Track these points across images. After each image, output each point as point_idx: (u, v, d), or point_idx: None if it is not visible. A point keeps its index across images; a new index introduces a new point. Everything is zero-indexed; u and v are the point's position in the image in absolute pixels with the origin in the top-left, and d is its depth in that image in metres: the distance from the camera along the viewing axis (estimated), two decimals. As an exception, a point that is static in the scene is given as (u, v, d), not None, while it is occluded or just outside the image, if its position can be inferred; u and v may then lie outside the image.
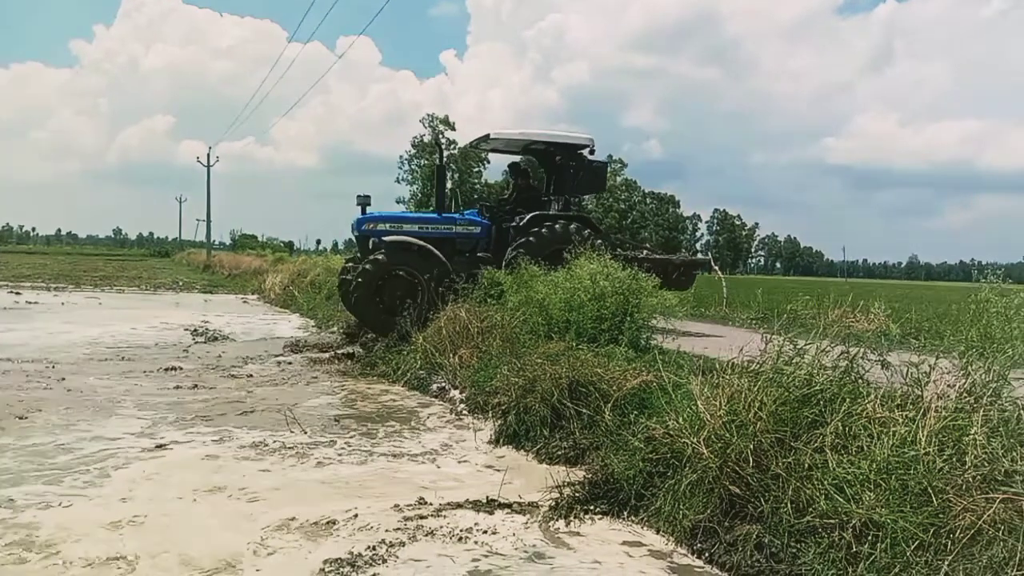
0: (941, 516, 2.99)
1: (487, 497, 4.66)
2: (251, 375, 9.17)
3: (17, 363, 9.30)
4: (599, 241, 10.23)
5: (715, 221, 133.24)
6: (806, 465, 3.61)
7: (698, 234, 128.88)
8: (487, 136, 11.25)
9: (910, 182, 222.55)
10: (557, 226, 10.45)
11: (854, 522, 3.19)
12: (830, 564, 3.20)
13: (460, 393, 7.56)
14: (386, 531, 4.10)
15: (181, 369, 9.36)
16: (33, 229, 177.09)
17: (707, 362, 5.59)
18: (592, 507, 4.50)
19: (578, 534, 4.21)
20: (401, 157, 78.73)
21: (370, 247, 10.84)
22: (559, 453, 5.48)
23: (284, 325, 15.90)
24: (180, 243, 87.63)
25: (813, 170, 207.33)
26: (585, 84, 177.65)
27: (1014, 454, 3.06)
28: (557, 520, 4.36)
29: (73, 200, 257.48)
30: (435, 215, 11.20)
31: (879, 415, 3.62)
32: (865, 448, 3.48)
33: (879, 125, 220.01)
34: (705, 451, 3.98)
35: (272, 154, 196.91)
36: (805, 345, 4.29)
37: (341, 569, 3.60)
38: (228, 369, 9.55)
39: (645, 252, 11.57)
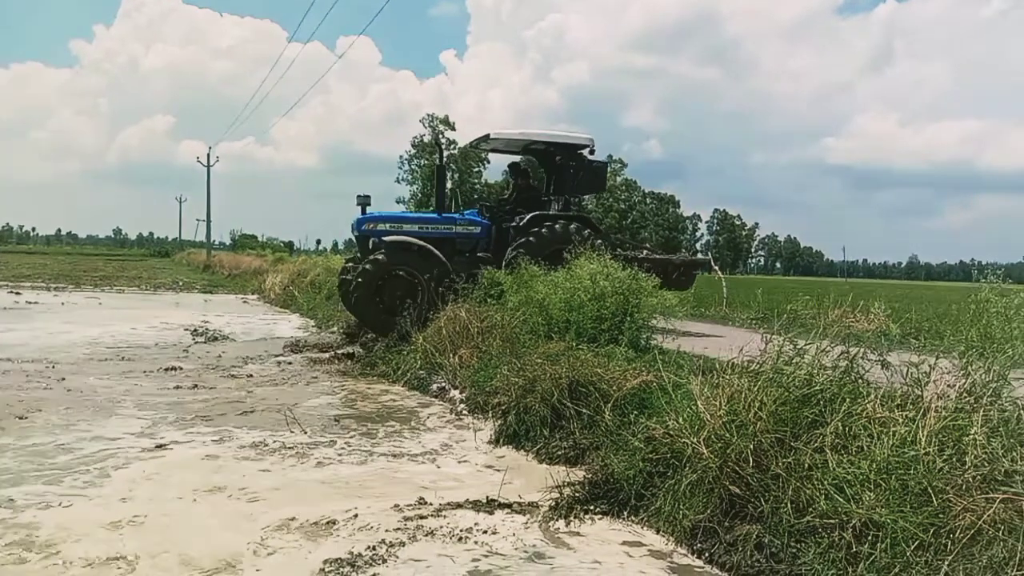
0: (941, 516, 2.99)
1: (487, 497, 4.66)
2: (251, 375, 9.17)
3: (17, 363, 9.30)
4: (599, 241, 10.23)
5: (715, 221, 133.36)
6: (806, 465, 3.61)
7: (698, 234, 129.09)
8: (487, 136, 11.25)
9: (910, 182, 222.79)
10: (557, 226, 10.45)
11: (854, 522, 3.19)
12: (830, 564, 3.20)
13: (460, 393, 7.56)
14: (386, 531, 4.10)
15: (181, 369, 9.36)
16: (33, 229, 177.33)
17: (707, 362, 5.59)
18: (592, 507, 4.50)
19: (578, 534, 4.21)
20: (401, 157, 78.84)
21: (370, 247, 10.84)
22: (559, 453, 5.48)
23: (284, 325, 15.90)
24: (180, 243, 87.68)
25: (813, 170, 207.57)
26: (585, 84, 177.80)
27: (1014, 454, 3.06)
28: (557, 520, 4.36)
29: (73, 200, 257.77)
30: (435, 215, 11.20)
31: (879, 415, 3.62)
32: (865, 448, 3.48)
33: (879, 125, 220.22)
34: (705, 451, 3.98)
35: (272, 154, 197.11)
36: (805, 345, 4.28)
37: (341, 569, 3.60)
38: (228, 369, 9.55)
39: (645, 252, 11.55)
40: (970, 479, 3.03)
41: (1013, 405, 3.44)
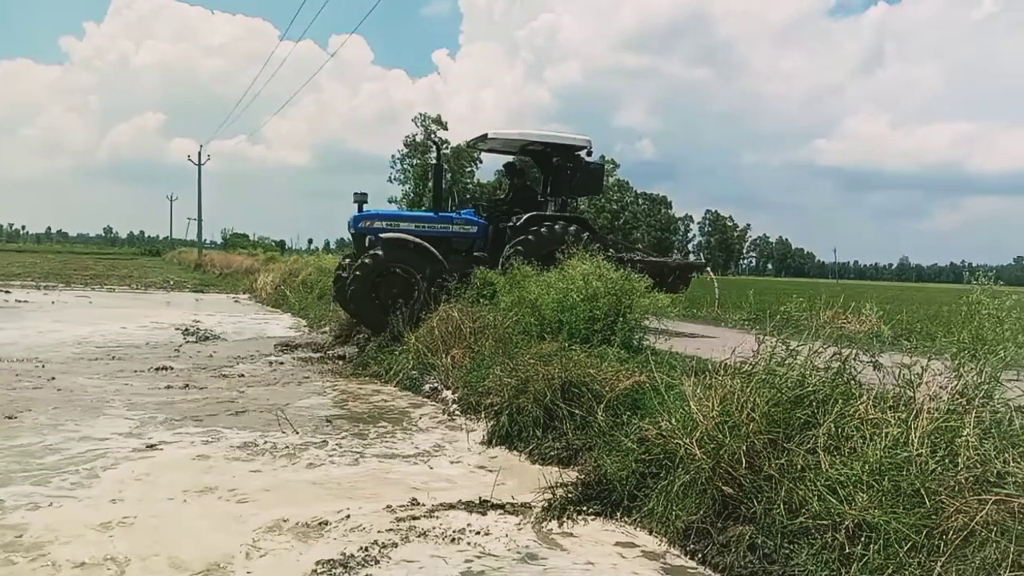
0: (934, 517, 2.99)
1: (480, 498, 4.65)
2: (242, 375, 9.13)
3: (6, 362, 9.23)
4: (596, 245, 10.20)
5: (707, 222, 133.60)
6: (799, 466, 3.61)
7: (690, 235, 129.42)
8: (485, 136, 11.23)
9: (901, 184, 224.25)
10: (557, 227, 10.43)
11: (847, 523, 3.19)
12: (823, 565, 3.20)
13: (452, 393, 7.54)
14: (378, 532, 4.08)
15: (172, 369, 9.30)
16: (23, 227, 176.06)
17: (700, 363, 5.60)
18: (585, 508, 4.50)
19: (571, 535, 4.20)
20: (393, 157, 78.55)
21: (366, 245, 10.81)
22: (552, 454, 5.47)
23: (275, 325, 15.85)
24: (171, 242, 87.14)
25: (804, 171, 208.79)
26: (577, 84, 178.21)
27: (1006, 456, 3.06)
28: (550, 521, 4.35)
29: (63, 198, 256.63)
30: (432, 214, 11.18)
31: (872, 416, 3.63)
32: (858, 449, 3.48)
33: (870, 127, 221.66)
34: (698, 452, 3.98)
35: (264, 152, 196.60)
36: (798, 346, 4.29)
37: (333, 570, 3.58)
38: (219, 369, 9.50)
39: (640, 255, 11.53)
40: (963, 480, 3.04)
41: (1005, 407, 3.45)
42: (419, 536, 4.06)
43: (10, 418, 6.33)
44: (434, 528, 4.17)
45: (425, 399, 7.90)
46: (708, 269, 13.36)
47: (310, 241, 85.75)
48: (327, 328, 13.28)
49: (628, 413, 5.12)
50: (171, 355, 10.57)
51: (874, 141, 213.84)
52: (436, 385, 8.01)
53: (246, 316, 17.75)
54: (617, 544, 4.09)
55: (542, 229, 10.44)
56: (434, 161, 13.11)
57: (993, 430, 3.26)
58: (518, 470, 5.40)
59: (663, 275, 10.53)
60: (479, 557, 3.84)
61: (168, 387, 8.06)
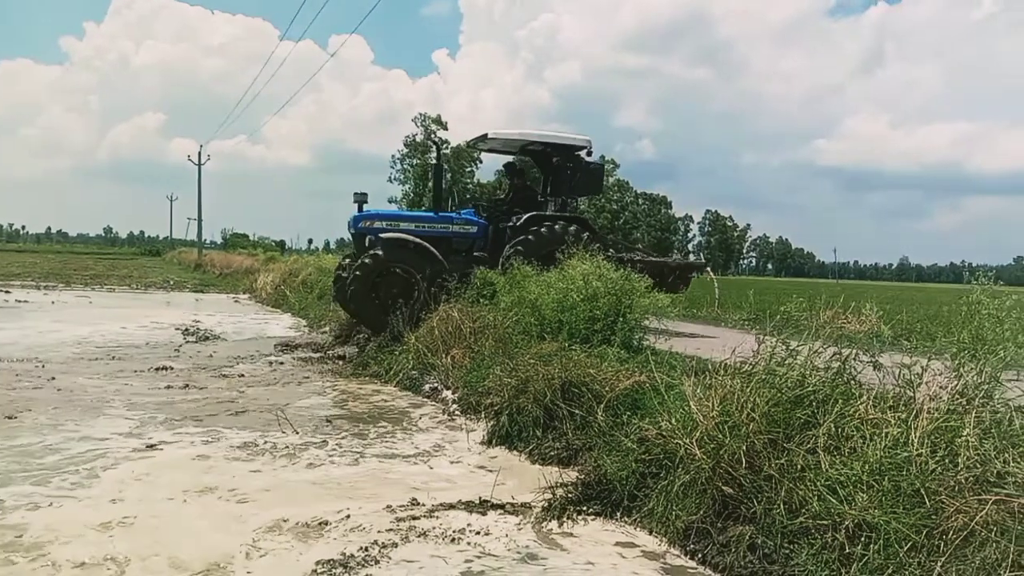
0: (934, 517, 2.99)
1: (480, 498, 4.65)
2: (242, 375, 9.13)
3: (6, 362, 9.23)
4: (596, 245, 10.19)
5: (707, 222, 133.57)
6: (799, 466, 3.61)
7: (690, 235, 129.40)
8: (485, 136, 11.23)
9: (901, 184, 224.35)
10: (557, 227, 10.43)
11: (847, 523, 3.19)
12: (823, 565, 3.20)
13: (452, 393, 7.54)
14: (378, 532, 4.08)
15: (172, 369, 9.30)
16: (23, 227, 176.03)
17: (700, 363, 5.60)
18: (585, 508, 4.50)
19: (571, 535, 4.20)
20: (393, 156, 78.53)
21: (367, 244, 10.81)
22: (552, 454, 5.47)
23: (275, 325, 15.85)
24: (171, 242, 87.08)
25: (804, 171, 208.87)
26: (577, 84, 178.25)
27: (1006, 456, 3.06)
28: (550, 521, 4.35)
29: (63, 198, 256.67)
30: (432, 214, 11.18)
31: (871, 416, 3.63)
32: (858, 449, 3.48)
33: (870, 127, 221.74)
34: (698, 452, 3.98)
35: (264, 152, 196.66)
36: (798, 346, 4.29)
37: (333, 570, 3.58)
38: (219, 369, 9.50)
39: (641, 255, 11.52)
40: (963, 480, 3.04)
41: (1005, 407, 3.45)
42: (419, 536, 4.06)
43: (10, 418, 6.33)
44: (434, 528, 4.17)
45: (425, 399, 7.90)
46: (708, 269, 13.36)
47: (310, 241, 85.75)
48: (327, 328, 13.28)
49: (628, 413, 5.12)
50: (171, 355, 10.57)
51: (874, 141, 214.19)
52: (436, 385, 8.01)
53: (246, 316, 17.75)
54: (617, 544, 4.09)
55: (542, 229, 10.43)
56: (434, 161, 13.11)
57: (993, 430, 3.26)
58: (518, 470, 5.40)
59: (663, 275, 10.53)
60: (479, 557, 3.84)
61: (168, 387, 8.06)
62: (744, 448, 3.82)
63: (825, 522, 3.28)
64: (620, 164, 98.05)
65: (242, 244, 61.03)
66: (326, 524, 4.18)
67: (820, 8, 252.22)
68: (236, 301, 22.91)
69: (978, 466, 3.07)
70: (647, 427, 4.51)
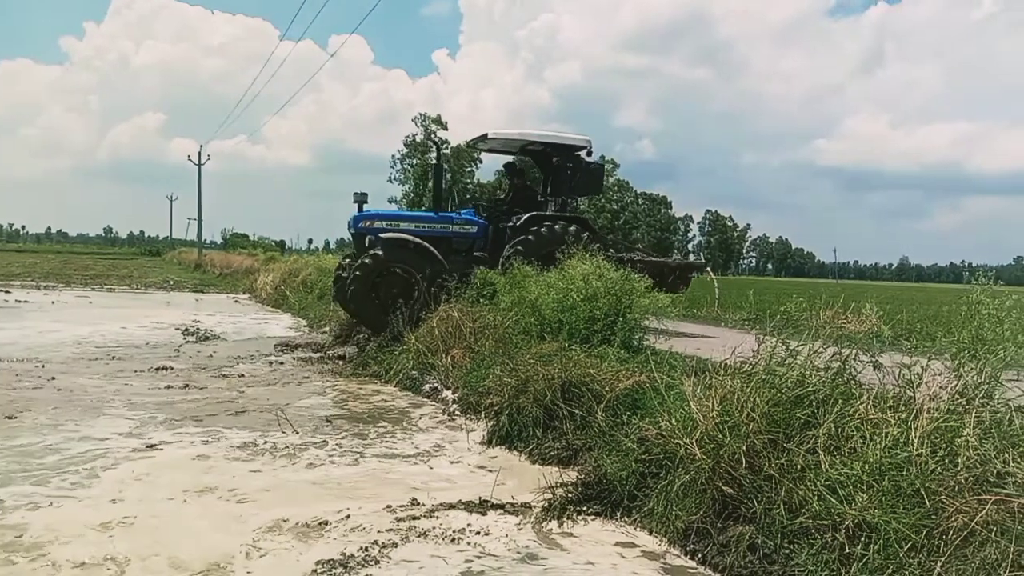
0: (934, 517, 2.99)
1: (480, 498, 4.65)
2: (242, 375, 9.13)
3: (6, 362, 9.23)
4: (597, 245, 10.18)
5: (707, 222, 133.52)
6: (799, 466, 3.61)
7: (690, 235, 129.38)
8: (485, 136, 11.23)
9: (901, 184, 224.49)
10: (557, 227, 10.42)
11: (847, 523, 3.19)
12: (823, 565, 3.20)
13: (452, 393, 7.54)
14: (378, 532, 4.08)
15: (172, 369, 9.30)
16: (23, 227, 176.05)
17: (700, 363, 5.60)
18: (585, 508, 4.50)
19: (571, 535, 4.20)
20: (393, 157, 78.50)
21: (367, 244, 10.81)
22: (552, 454, 5.47)
23: (276, 325, 15.85)
24: (171, 242, 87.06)
25: (804, 171, 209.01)
26: (577, 84, 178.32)
27: (1006, 456, 3.06)
28: (550, 521, 4.35)
29: (63, 198, 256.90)
30: (432, 214, 11.18)
31: (872, 416, 3.63)
32: (858, 449, 3.48)
33: (870, 127, 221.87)
34: (698, 452, 3.98)
35: (264, 152, 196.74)
36: (798, 346, 4.29)
37: (333, 570, 3.58)
38: (219, 369, 9.50)
39: (642, 255, 11.52)
40: (963, 480, 3.04)
41: (1005, 407, 3.44)
42: (419, 536, 4.06)
43: (10, 418, 6.33)
44: (434, 528, 4.17)
45: (425, 399, 7.90)
46: (708, 269, 13.35)
47: (310, 241, 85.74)
48: (327, 328, 13.28)
49: (628, 413, 5.11)
50: (171, 355, 10.57)
51: (874, 141, 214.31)
52: (436, 385, 8.01)
53: (246, 316, 17.74)
54: (617, 544, 4.09)
55: (542, 229, 10.43)
56: (434, 161, 13.10)
57: (993, 430, 3.26)
58: (518, 470, 5.40)
59: (663, 275, 10.53)
60: (479, 557, 3.84)
61: (168, 387, 8.06)
62: (744, 448, 3.82)
63: (825, 522, 3.28)
64: (620, 164, 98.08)
65: (242, 244, 60.98)
66: (326, 524, 4.18)
67: (820, 8, 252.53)
68: (236, 301, 22.91)
69: (978, 466, 3.07)
70: (647, 427, 4.51)
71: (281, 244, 63.22)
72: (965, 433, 3.20)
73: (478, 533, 4.14)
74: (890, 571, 2.97)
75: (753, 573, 3.52)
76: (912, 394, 3.65)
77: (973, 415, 3.31)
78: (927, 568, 2.89)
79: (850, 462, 3.40)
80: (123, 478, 4.89)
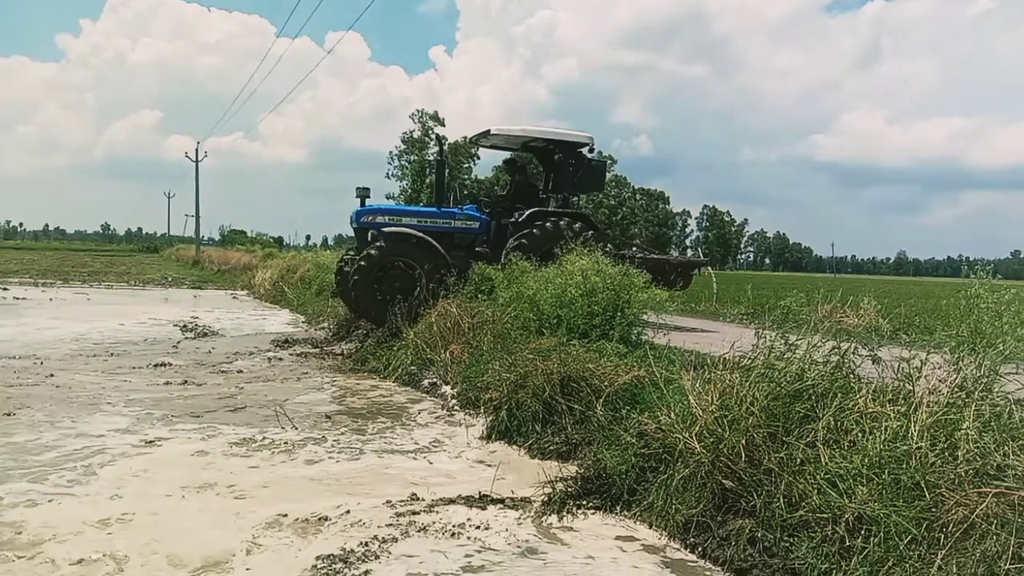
0: (934, 510, 2.99)
1: (479, 493, 4.65)
2: (241, 371, 9.12)
3: (4, 359, 9.21)
4: (600, 242, 10.15)
5: (704, 217, 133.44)
6: (798, 460, 3.61)
7: (688, 230, 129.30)
8: (487, 132, 11.20)
9: (897, 179, 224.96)
10: (562, 223, 10.40)
11: (847, 516, 3.19)
12: (823, 558, 3.20)
13: (451, 389, 7.53)
14: (378, 527, 4.08)
15: (170, 365, 9.29)
16: (20, 224, 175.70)
17: (699, 357, 5.59)
18: (585, 502, 4.50)
19: (571, 529, 4.20)
20: (391, 153, 78.26)
21: (369, 239, 10.80)
22: (551, 448, 5.47)
23: (274, 321, 15.82)
24: (169, 239, 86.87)
25: (802, 167, 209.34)
26: (574, 80, 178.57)
27: (1006, 448, 3.06)
28: (550, 515, 4.35)
29: (61, 195, 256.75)
30: (435, 209, 11.16)
31: (871, 410, 3.62)
32: (857, 443, 3.48)
33: (867, 122, 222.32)
34: (697, 446, 3.97)
35: (261, 149, 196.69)
36: (796, 340, 4.28)
37: (333, 565, 3.58)
38: (217, 365, 9.49)
39: (643, 252, 11.50)
40: (962, 473, 3.03)
41: (1005, 400, 3.44)
42: (419, 531, 4.06)
43: (8, 415, 6.31)
44: (434, 523, 4.17)
45: (424, 394, 7.89)
46: (709, 269, 13.32)
47: (308, 237, 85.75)
48: (325, 324, 13.27)
49: (627, 407, 5.11)
50: (169, 351, 10.55)
51: (871, 136, 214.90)
52: (435, 380, 8.01)
53: (244, 312, 17.72)
54: (617, 538, 4.09)
55: (546, 224, 10.42)
56: (432, 157, 13.08)
57: (992, 423, 3.26)
58: (517, 465, 5.40)
59: (664, 272, 10.52)
60: (479, 552, 3.84)
61: (166, 383, 8.04)
62: (743, 442, 3.82)
63: (825, 515, 3.28)
64: (617, 160, 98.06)
65: (240, 240, 60.92)
66: (325, 520, 4.17)
67: (817, 4, 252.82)
68: (234, 297, 22.89)
69: (978, 459, 3.06)
70: (646, 421, 4.51)
71: (279, 240, 63.21)
72: (965, 426, 3.20)
73: (478, 528, 4.13)
74: (890, 564, 2.97)
75: (753, 566, 3.52)
76: (911, 388, 3.65)
77: (972, 408, 3.31)
78: (927, 561, 2.89)
79: (850, 455, 3.40)
80: (121, 475, 4.88)
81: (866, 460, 3.31)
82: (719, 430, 3.94)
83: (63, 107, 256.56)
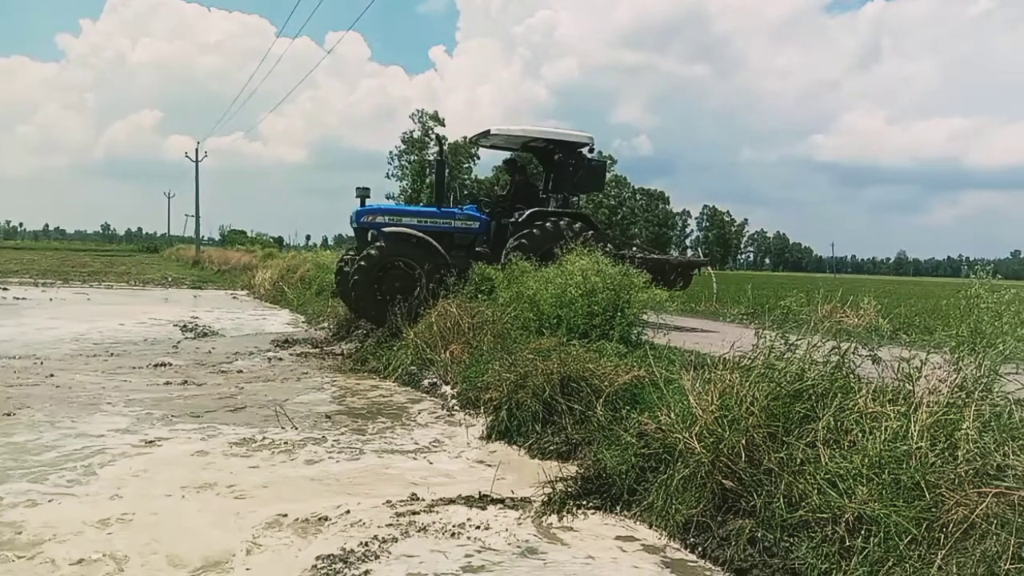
0: (934, 510, 2.99)
1: (479, 493, 4.65)
2: (241, 371, 9.12)
3: (4, 359, 9.21)
4: (599, 242, 10.15)
5: (704, 217, 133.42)
6: (798, 460, 3.61)
7: (688, 230, 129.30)
8: (487, 132, 11.20)
9: (897, 179, 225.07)
10: (562, 223, 10.40)
11: (847, 516, 3.19)
12: (823, 558, 3.20)
13: (451, 389, 7.53)
14: (378, 527, 4.08)
15: (170, 365, 9.29)
16: (20, 224, 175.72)
17: (699, 357, 5.59)
18: (585, 502, 4.50)
19: (571, 529, 4.20)
20: (391, 153, 78.25)
21: (369, 239, 10.80)
22: (551, 448, 5.47)
23: (274, 321, 15.82)
24: (169, 239, 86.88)
25: (802, 167, 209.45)
26: (574, 80, 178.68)
27: (1006, 448, 3.06)
28: (550, 515, 4.35)
29: (61, 195, 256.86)
30: (435, 209, 11.16)
31: (871, 410, 3.62)
32: (857, 443, 3.48)
33: (867, 122, 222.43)
34: (697, 446, 3.97)
35: (261, 149, 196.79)
36: (796, 340, 4.28)
37: (333, 565, 3.58)
38: (217, 365, 9.49)
39: (643, 252, 11.50)
40: (962, 473, 3.03)
41: (1005, 400, 3.44)
42: (419, 531, 4.06)
43: (8, 415, 6.31)
44: (434, 523, 4.17)
45: (424, 394, 7.89)
46: (709, 269, 13.32)
47: (308, 237, 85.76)
48: (325, 324, 13.27)
49: (627, 407, 5.11)
50: (169, 351, 10.55)
51: (871, 136, 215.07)
52: (435, 380, 8.01)
53: (244, 312, 17.72)
54: (617, 538, 4.09)
55: (546, 224, 10.42)
56: (432, 157, 13.08)
57: (993, 423, 3.26)
58: (517, 465, 5.40)
59: (665, 273, 10.52)
60: (479, 551, 3.84)
61: (166, 383, 8.04)
62: (743, 442, 3.82)
63: (825, 515, 3.28)
64: (617, 160, 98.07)
65: (240, 240, 60.91)
66: (325, 520, 4.17)
67: (817, 4, 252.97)
68: (234, 297, 22.89)
69: (978, 459, 3.06)
70: (646, 421, 4.51)
71: (279, 240, 63.20)
72: (965, 426, 3.20)
73: (478, 528, 4.14)
74: (890, 564, 2.97)
75: (753, 566, 3.52)
76: (911, 388, 3.65)
77: (973, 408, 3.31)
78: (927, 561, 2.89)
79: (850, 455, 3.40)
80: (121, 475, 4.88)
81: (866, 460, 3.31)
82: (719, 430, 3.94)
83: (63, 107, 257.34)
